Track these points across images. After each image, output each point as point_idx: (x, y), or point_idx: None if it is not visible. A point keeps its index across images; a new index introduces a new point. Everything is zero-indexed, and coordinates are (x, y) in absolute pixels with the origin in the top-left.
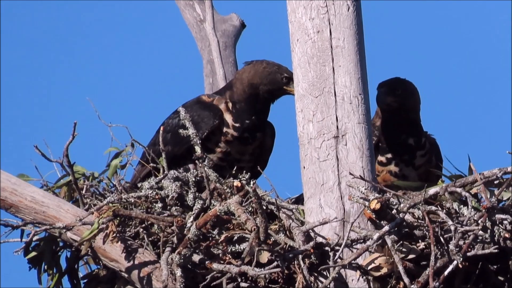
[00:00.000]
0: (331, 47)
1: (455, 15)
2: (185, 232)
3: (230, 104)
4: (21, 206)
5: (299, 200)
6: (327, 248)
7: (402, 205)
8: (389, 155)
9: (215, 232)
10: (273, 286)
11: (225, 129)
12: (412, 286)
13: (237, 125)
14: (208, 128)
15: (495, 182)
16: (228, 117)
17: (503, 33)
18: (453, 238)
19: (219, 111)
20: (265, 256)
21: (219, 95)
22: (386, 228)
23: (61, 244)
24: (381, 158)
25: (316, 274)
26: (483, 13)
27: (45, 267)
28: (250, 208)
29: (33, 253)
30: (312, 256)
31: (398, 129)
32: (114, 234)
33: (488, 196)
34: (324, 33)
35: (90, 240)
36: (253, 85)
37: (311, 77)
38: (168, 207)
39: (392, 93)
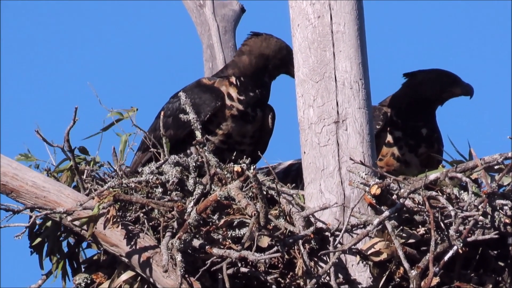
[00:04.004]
0: (332, 32)
1: (457, 2)
2: (185, 217)
3: (233, 79)
4: (22, 191)
5: (290, 170)
6: (327, 233)
7: (402, 190)
8: (398, 134)
9: (215, 217)
10: (273, 271)
11: (230, 103)
12: (412, 271)
13: (241, 98)
14: (210, 110)
15: (496, 167)
16: (232, 91)
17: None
18: (453, 224)
19: (220, 93)
20: (265, 241)
21: (219, 77)
22: (386, 213)
23: (62, 229)
24: (389, 137)
25: (316, 259)
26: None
27: (48, 251)
28: (251, 193)
29: (38, 239)
30: (312, 241)
31: (419, 118)
32: (115, 219)
33: (489, 182)
34: (324, 18)
35: (90, 223)
36: (264, 56)
37: (312, 62)
38: (169, 192)
39: None
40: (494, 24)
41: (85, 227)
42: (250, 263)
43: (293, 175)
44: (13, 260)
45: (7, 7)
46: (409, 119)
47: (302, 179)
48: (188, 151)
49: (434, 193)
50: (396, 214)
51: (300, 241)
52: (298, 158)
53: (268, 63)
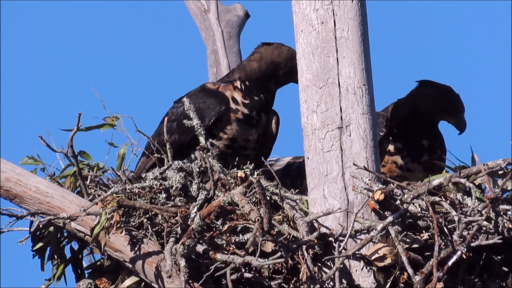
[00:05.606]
0: (335, 38)
1: (458, 6)
2: (189, 222)
3: (238, 83)
4: (25, 196)
5: (289, 169)
6: (331, 238)
7: (406, 195)
8: (398, 145)
9: (219, 222)
10: (277, 276)
11: (235, 106)
12: (416, 276)
13: (246, 101)
14: (215, 114)
15: (499, 172)
16: (236, 95)
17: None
18: (457, 229)
19: (225, 97)
20: (269, 247)
21: (224, 82)
22: (390, 218)
23: (65, 233)
24: (390, 147)
25: (320, 265)
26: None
27: (50, 255)
28: (254, 199)
29: (40, 244)
30: (316, 246)
31: (420, 130)
32: (118, 225)
33: (492, 187)
34: (328, 24)
35: (101, 233)
36: (275, 63)
37: (315, 68)
38: (172, 197)
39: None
40: (494, 24)
41: (89, 232)
42: (254, 269)
43: (293, 175)
44: (18, 265)
45: (8, 9)
46: (409, 129)
47: (302, 180)
48: (193, 156)
49: (437, 198)
50: (399, 219)
51: (304, 247)
52: (297, 156)
53: (278, 70)
